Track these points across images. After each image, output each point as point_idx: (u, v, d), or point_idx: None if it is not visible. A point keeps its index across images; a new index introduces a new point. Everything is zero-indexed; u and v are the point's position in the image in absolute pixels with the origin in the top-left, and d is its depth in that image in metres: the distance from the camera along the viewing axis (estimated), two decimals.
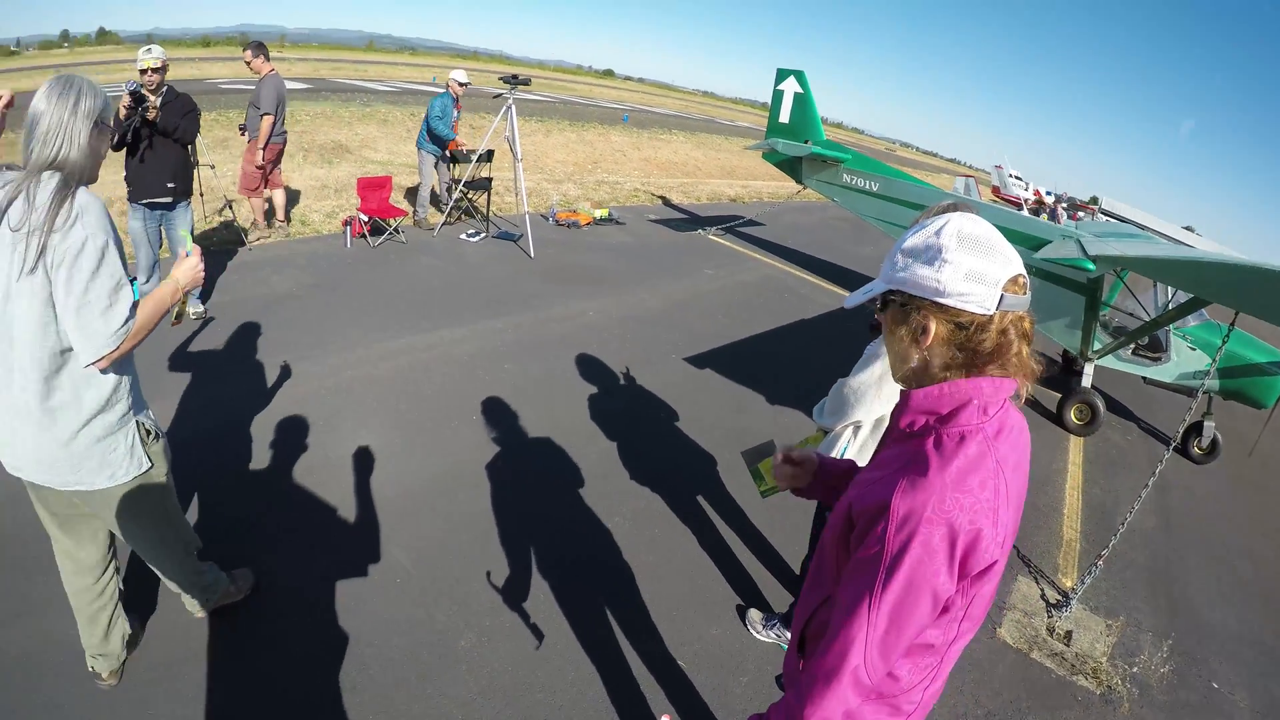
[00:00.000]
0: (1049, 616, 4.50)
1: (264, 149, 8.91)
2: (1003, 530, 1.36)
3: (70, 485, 2.59)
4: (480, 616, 3.81)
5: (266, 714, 3.15)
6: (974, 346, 1.42)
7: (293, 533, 4.23)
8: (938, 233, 1.42)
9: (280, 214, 9.75)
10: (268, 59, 8.92)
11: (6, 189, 2.24)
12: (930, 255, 1.42)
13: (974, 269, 1.38)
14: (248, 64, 8.90)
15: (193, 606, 3.37)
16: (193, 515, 4.25)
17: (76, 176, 2.34)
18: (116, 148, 6.00)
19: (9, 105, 2.57)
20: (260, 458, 4.90)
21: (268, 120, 8.77)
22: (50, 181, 2.27)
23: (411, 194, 12.50)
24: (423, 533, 4.38)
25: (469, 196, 11.61)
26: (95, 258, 2.30)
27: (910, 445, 1.48)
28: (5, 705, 2.99)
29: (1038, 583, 4.78)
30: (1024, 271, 1.43)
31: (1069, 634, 4.39)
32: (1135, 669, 4.23)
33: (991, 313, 1.39)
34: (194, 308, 6.89)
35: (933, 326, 1.44)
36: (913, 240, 1.48)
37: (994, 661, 4.10)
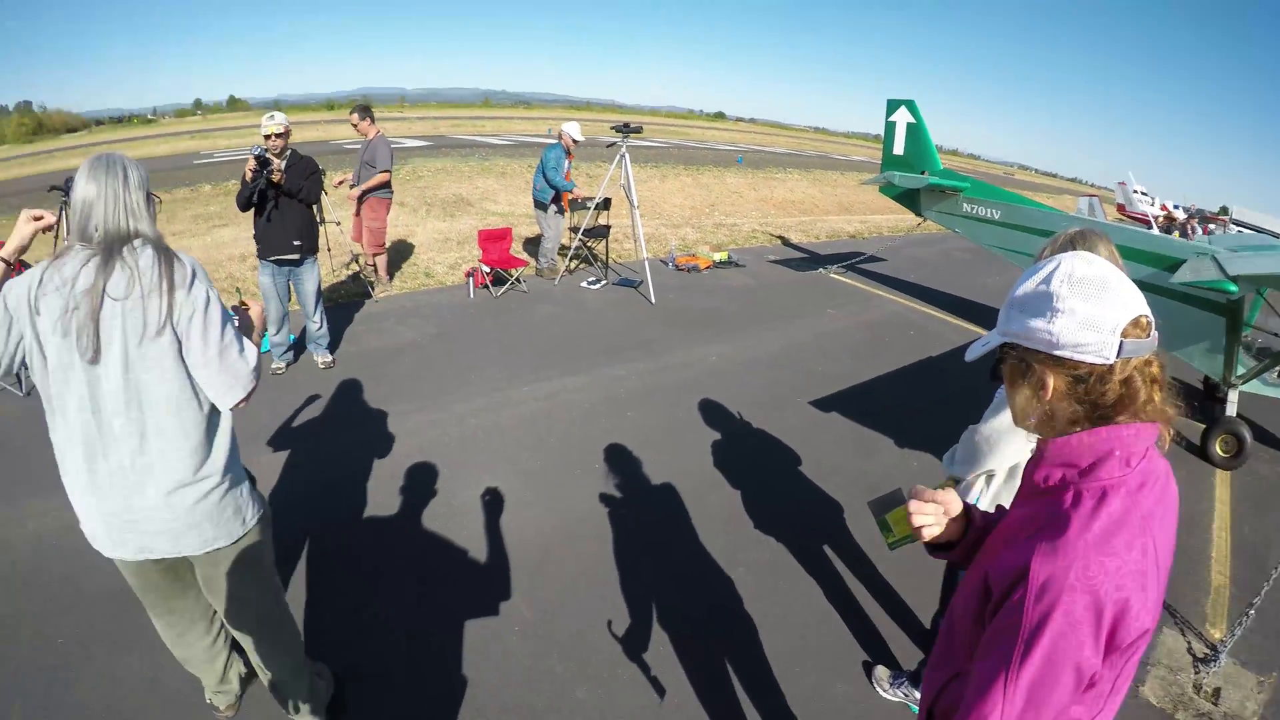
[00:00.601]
0: (1195, 672, 4.02)
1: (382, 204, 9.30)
2: (1153, 593, 1.23)
3: (199, 549, 2.56)
4: (599, 668, 3.70)
5: None
6: (1095, 399, 1.32)
7: (414, 579, 4.24)
8: (1047, 279, 1.34)
9: (383, 270, 10.01)
10: (373, 121, 9.27)
11: (90, 265, 2.22)
12: (1041, 304, 1.33)
13: (1089, 316, 1.28)
14: (354, 126, 9.23)
15: (300, 718, 3.15)
16: (312, 562, 4.31)
17: (159, 242, 2.36)
18: (244, 208, 6.32)
19: (47, 229, 2.59)
20: (383, 505, 4.93)
21: (384, 176, 9.12)
22: (145, 249, 2.29)
23: (532, 245, 12.71)
24: (544, 582, 4.31)
25: (587, 244, 11.67)
26: (218, 306, 2.39)
27: (1047, 502, 1.35)
28: None
29: (1184, 635, 4.28)
30: (1146, 312, 1.31)
31: (1217, 691, 3.90)
32: None
33: (1111, 361, 1.28)
34: (322, 358, 7.09)
35: (1051, 381, 1.35)
36: (1023, 288, 1.39)
37: None
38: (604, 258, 11.62)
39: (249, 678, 3.30)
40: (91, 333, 2.20)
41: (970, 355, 1.53)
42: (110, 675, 3.41)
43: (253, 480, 2.84)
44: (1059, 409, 1.36)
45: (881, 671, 3.79)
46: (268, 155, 6.13)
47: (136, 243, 2.29)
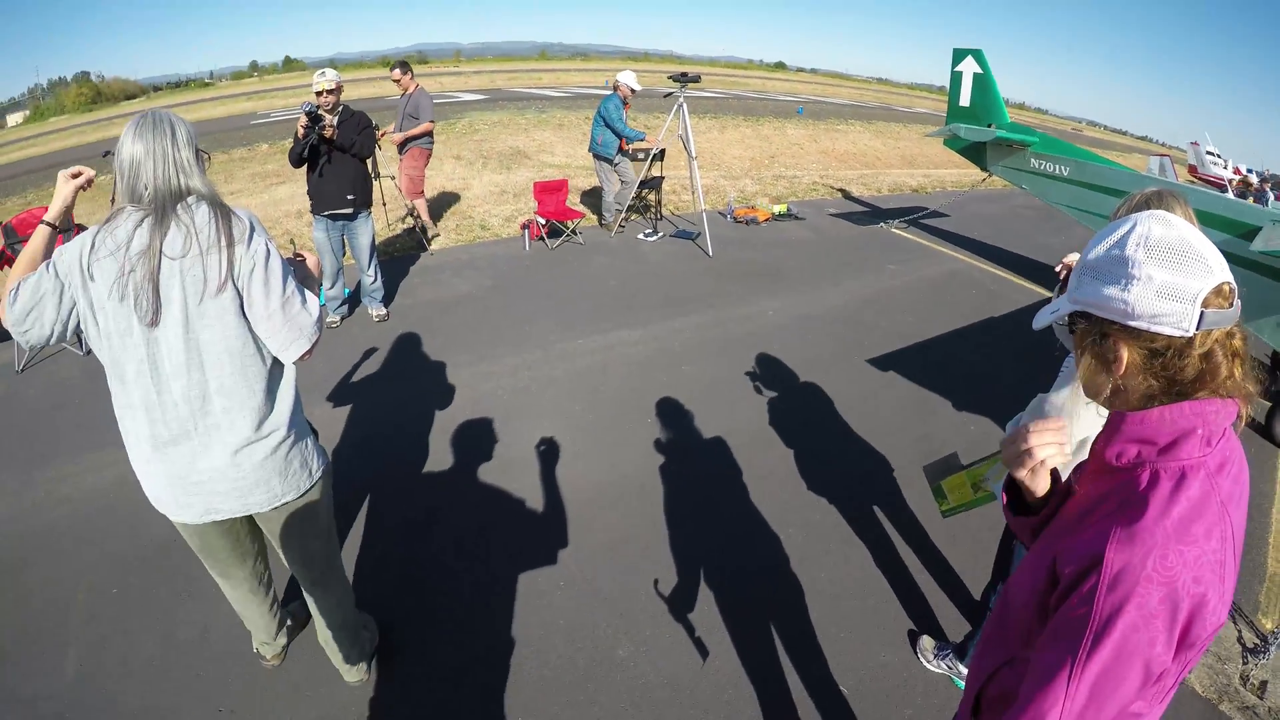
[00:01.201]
0: (1244, 663, 3.82)
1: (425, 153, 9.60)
2: (1230, 584, 1.16)
3: (266, 505, 2.56)
4: (642, 626, 3.68)
5: (418, 707, 3.19)
6: (1172, 374, 1.23)
7: (464, 532, 4.27)
8: (1121, 241, 1.24)
9: (425, 215, 10.14)
10: (413, 75, 9.55)
11: (144, 225, 2.17)
12: (1115, 270, 1.24)
13: (1167, 284, 1.18)
14: (396, 81, 9.45)
15: (349, 668, 3.20)
16: (368, 514, 4.36)
17: (214, 196, 2.30)
18: (296, 164, 6.34)
19: (87, 184, 2.51)
20: (436, 457, 4.96)
21: (429, 126, 9.43)
22: (200, 205, 2.23)
23: (590, 199, 12.61)
24: (592, 537, 4.29)
25: (643, 195, 11.54)
26: (278, 259, 2.35)
27: (1120, 482, 1.26)
28: (179, 681, 3.23)
29: (1234, 623, 4.07)
30: (1230, 279, 1.20)
31: (1264, 685, 3.68)
32: None
33: (1191, 334, 1.18)
34: (376, 311, 7.12)
35: (1125, 353, 1.26)
36: (1095, 251, 1.29)
37: (1178, 711, 3.45)
38: (658, 209, 11.45)
39: (296, 629, 3.38)
40: (150, 294, 2.16)
41: (1038, 323, 1.43)
42: (163, 626, 3.49)
43: (315, 433, 2.83)
44: (1132, 383, 1.28)
45: (927, 642, 3.69)
46: (319, 111, 6.12)
47: (190, 199, 2.23)
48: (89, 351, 5.93)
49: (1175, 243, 1.19)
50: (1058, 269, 2.77)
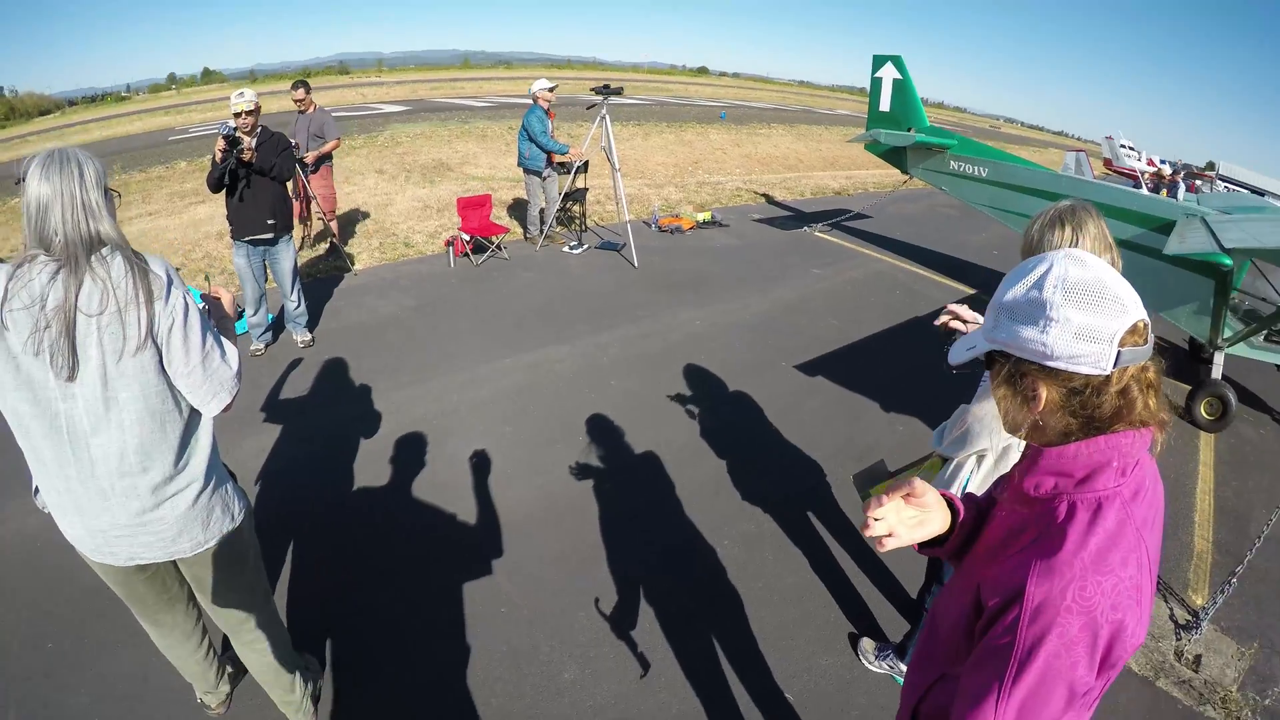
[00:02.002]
0: (1177, 639, 4.02)
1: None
2: (1148, 606, 1.20)
3: (190, 551, 2.51)
4: (585, 647, 3.70)
5: None
6: (1090, 412, 1.26)
7: (398, 561, 4.22)
8: (1038, 283, 1.25)
9: (337, 231, 10.16)
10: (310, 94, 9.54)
11: (58, 279, 2.08)
12: (1033, 312, 1.25)
13: (1085, 326, 1.20)
14: (299, 102, 9.28)
15: (295, 709, 3.14)
16: (296, 547, 4.28)
17: (125, 246, 2.22)
18: (215, 189, 6.14)
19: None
20: (366, 485, 4.90)
21: (337, 143, 9.56)
22: (115, 256, 2.15)
23: (516, 211, 12.57)
24: (528, 559, 4.29)
25: (568, 208, 11.53)
26: (196, 312, 2.30)
27: (1038, 512, 1.30)
28: None
29: (1166, 601, 4.28)
30: (1145, 316, 1.23)
31: (1198, 658, 3.90)
32: (1268, 700, 3.67)
33: (1108, 372, 1.22)
34: (301, 336, 7.00)
35: (1044, 392, 1.28)
36: (1012, 292, 1.30)
37: (1116, 691, 3.62)
38: (582, 221, 11.47)
39: (238, 675, 3.29)
40: (66, 351, 2.08)
41: (955, 359, 1.45)
42: (101, 676, 3.37)
43: (233, 476, 2.79)
44: (1051, 420, 1.31)
45: (867, 643, 3.78)
46: (237, 134, 5.96)
47: (104, 250, 2.14)
48: None
49: (1091, 284, 1.21)
50: (938, 323, 2.83)
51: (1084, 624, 1.14)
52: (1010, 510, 1.41)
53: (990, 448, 2.81)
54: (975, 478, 2.91)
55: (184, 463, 2.39)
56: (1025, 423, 1.34)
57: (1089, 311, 1.19)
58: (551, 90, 10.30)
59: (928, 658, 1.54)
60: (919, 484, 1.48)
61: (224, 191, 6.20)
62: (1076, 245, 2.33)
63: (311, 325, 7.29)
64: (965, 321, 2.74)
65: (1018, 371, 1.31)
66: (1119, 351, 1.19)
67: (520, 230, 11.44)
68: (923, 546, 1.63)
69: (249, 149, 5.99)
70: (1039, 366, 1.26)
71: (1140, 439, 1.26)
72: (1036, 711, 1.17)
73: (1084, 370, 1.21)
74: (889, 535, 1.45)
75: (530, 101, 10.25)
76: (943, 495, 1.56)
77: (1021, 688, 1.16)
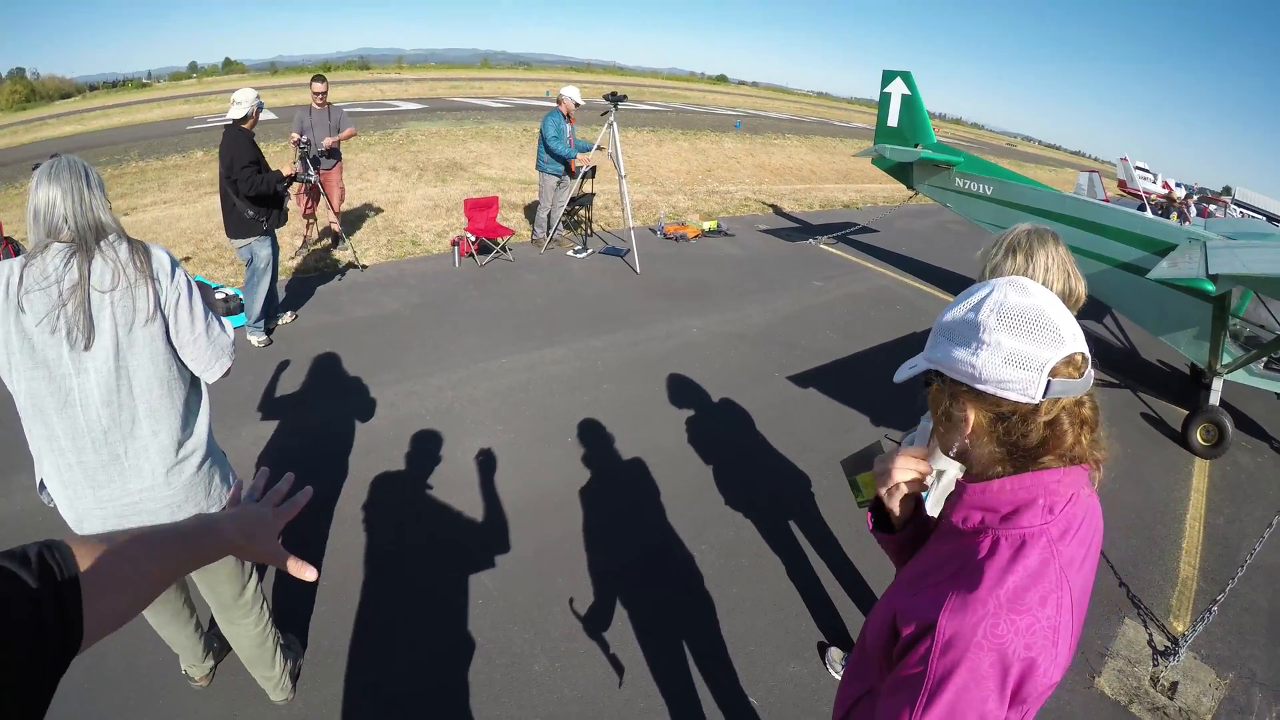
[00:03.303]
0: (1154, 665, 4.02)
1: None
2: (1064, 647, 1.18)
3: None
4: (557, 642, 3.79)
5: None
6: (1016, 440, 1.26)
7: (384, 551, 4.33)
8: (976, 306, 1.27)
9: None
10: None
11: (73, 261, 2.28)
12: (967, 334, 1.27)
13: (1015, 352, 1.21)
14: (317, 94, 9.22)
15: (274, 687, 3.28)
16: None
17: (126, 235, 2.44)
18: (272, 198, 6.60)
19: None
20: (356, 477, 5.00)
21: (352, 132, 9.60)
22: (120, 242, 2.37)
23: (525, 213, 12.70)
24: (510, 555, 4.39)
25: (575, 212, 11.65)
26: (194, 288, 2.53)
27: (963, 545, 1.30)
28: (109, 708, 3.24)
29: (1146, 627, 4.27)
30: (1083, 349, 1.24)
31: (1174, 685, 3.91)
32: None
33: (1037, 401, 1.22)
34: (258, 336, 7.05)
35: (971, 415, 1.29)
36: (952, 314, 1.32)
37: (1089, 715, 3.71)
38: (588, 226, 11.60)
39: (223, 651, 3.43)
40: (84, 324, 2.28)
41: (899, 377, 1.49)
42: (88, 653, 3.45)
43: (223, 454, 2.94)
44: (979, 446, 1.32)
45: (835, 653, 3.84)
46: (314, 153, 6.25)
47: (111, 237, 2.36)
48: None
49: (1029, 311, 1.22)
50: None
51: (994, 660, 1.13)
52: (939, 541, 1.42)
53: (948, 467, 2.89)
54: (934, 490, 3.00)
55: (190, 430, 2.60)
56: (954, 445, 1.37)
57: (1021, 338, 1.21)
58: (579, 105, 10.42)
59: (858, 670, 1.56)
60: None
61: (260, 198, 6.46)
62: (1027, 273, 2.41)
63: (308, 316, 7.55)
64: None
65: (951, 392, 1.33)
66: (1049, 381, 1.20)
67: (528, 233, 11.56)
68: (876, 524, 1.69)
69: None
70: (968, 389, 1.27)
71: (1069, 477, 1.26)
72: None
73: (1011, 396, 1.22)
74: (898, 483, 1.54)
75: (552, 103, 10.39)
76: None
77: (932, 717, 1.17)
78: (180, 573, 1.15)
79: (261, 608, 3.12)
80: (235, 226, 6.58)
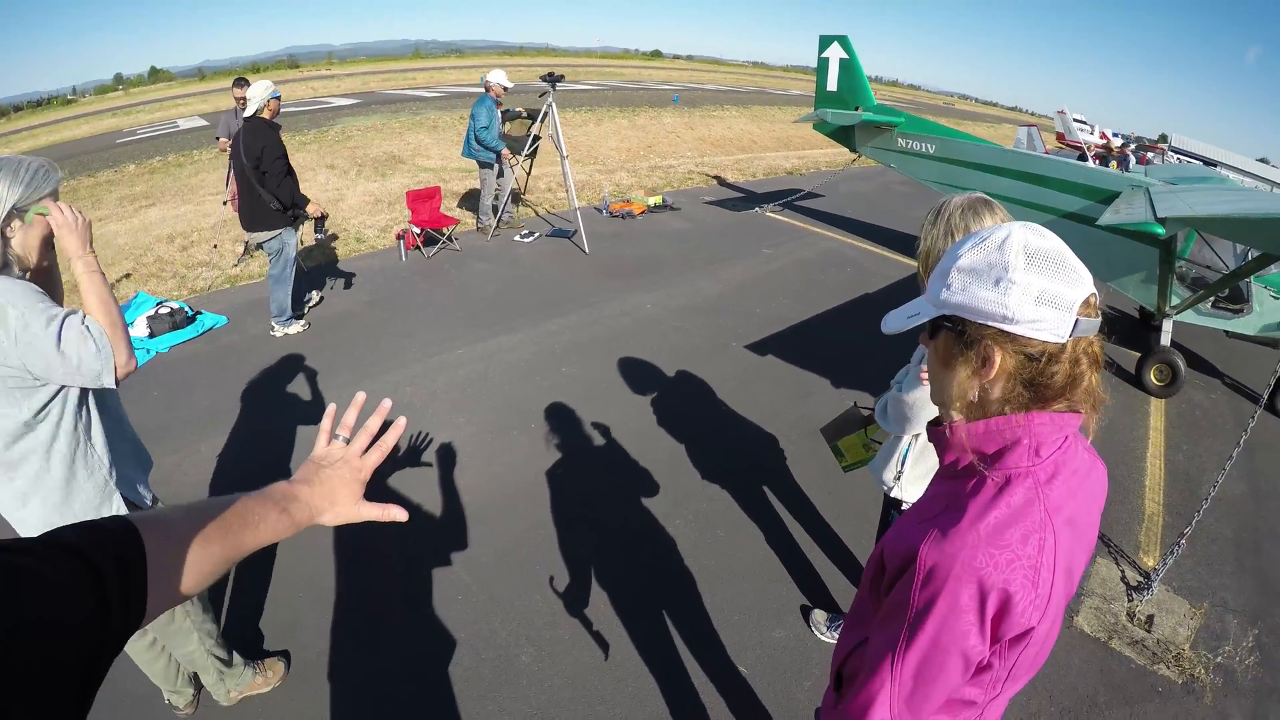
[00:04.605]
0: (1129, 600, 4.16)
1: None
2: (1045, 590, 1.18)
3: None
4: (540, 630, 3.78)
5: None
6: (1044, 380, 1.24)
7: (357, 551, 4.27)
8: (1000, 247, 1.24)
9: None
10: None
11: None
12: (994, 275, 1.23)
13: (1046, 291, 1.20)
14: (238, 99, 8.94)
15: (217, 692, 3.22)
16: None
17: None
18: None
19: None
20: None
21: None
22: None
23: (467, 201, 12.59)
24: (484, 546, 4.36)
25: (520, 197, 11.51)
26: (34, 316, 2.11)
27: (954, 486, 1.32)
28: None
29: (1118, 564, 4.43)
30: (1095, 290, 1.25)
31: (1150, 619, 4.04)
32: (1219, 658, 3.84)
33: (1065, 340, 1.21)
34: (290, 328, 7.28)
35: (998, 358, 1.25)
36: (970, 256, 1.28)
37: (1070, 653, 3.80)
38: (532, 209, 11.52)
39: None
40: None
41: (893, 328, 1.43)
42: None
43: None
44: (997, 388, 1.29)
45: (819, 615, 3.89)
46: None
47: None
48: None
49: (1053, 253, 1.22)
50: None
51: (973, 592, 1.15)
52: (937, 484, 1.44)
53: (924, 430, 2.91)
54: (914, 449, 3.03)
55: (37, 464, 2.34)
56: (970, 392, 1.33)
57: (1050, 278, 1.20)
58: (508, 89, 10.34)
59: (856, 619, 1.56)
60: None
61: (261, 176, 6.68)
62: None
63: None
64: None
65: (972, 337, 1.28)
66: (1077, 319, 1.20)
67: (473, 221, 11.45)
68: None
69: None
70: (997, 331, 1.24)
71: (1058, 421, 1.26)
72: (933, 676, 1.21)
73: (1044, 336, 1.21)
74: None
75: (482, 90, 10.29)
76: None
77: (915, 651, 1.20)
78: (250, 549, 1.16)
79: (199, 617, 3.02)
80: (263, 218, 6.74)
